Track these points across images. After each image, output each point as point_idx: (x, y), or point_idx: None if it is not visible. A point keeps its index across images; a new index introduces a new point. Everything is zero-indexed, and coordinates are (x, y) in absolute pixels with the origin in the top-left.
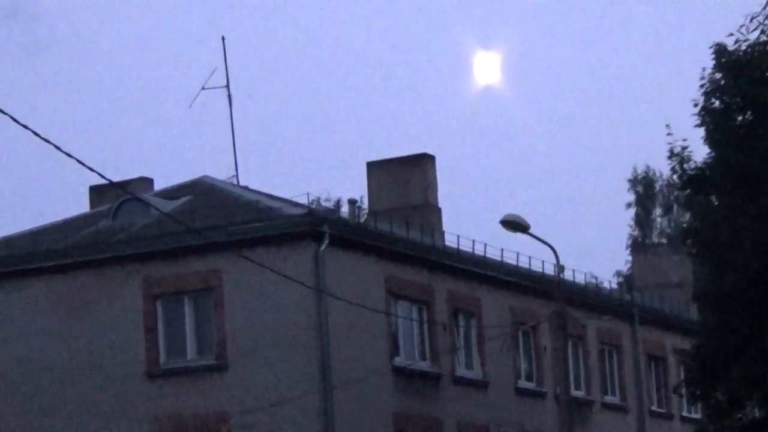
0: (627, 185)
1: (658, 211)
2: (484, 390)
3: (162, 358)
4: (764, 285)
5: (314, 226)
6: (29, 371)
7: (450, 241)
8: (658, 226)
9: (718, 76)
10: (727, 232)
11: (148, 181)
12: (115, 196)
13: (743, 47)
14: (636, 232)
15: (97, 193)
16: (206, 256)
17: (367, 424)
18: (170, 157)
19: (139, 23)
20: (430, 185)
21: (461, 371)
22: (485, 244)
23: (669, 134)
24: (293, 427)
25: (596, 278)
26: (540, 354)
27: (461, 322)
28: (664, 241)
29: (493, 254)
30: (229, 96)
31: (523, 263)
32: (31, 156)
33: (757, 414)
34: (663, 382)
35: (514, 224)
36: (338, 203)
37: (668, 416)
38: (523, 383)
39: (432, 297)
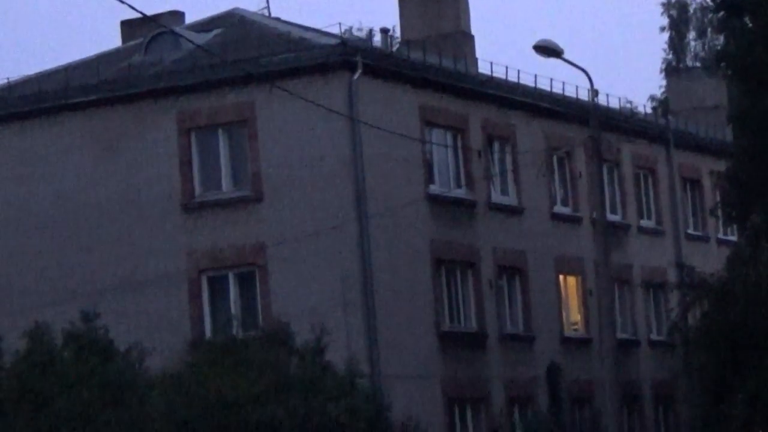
0: (660, 9)
1: (692, 34)
2: (519, 216)
3: (197, 190)
4: None
5: (347, 56)
6: (65, 209)
7: (483, 68)
8: (693, 49)
9: None
10: (761, 55)
11: (179, 15)
12: (147, 30)
13: None
14: (670, 56)
15: (128, 27)
16: (239, 89)
17: (403, 253)
18: None
19: None
20: (462, 12)
21: (497, 197)
22: (518, 71)
23: None
24: (329, 258)
25: (631, 102)
26: (575, 179)
27: (496, 148)
28: (698, 64)
29: (526, 80)
30: None
31: (557, 89)
32: None
33: None
34: (699, 205)
35: (548, 49)
36: (371, 33)
37: (705, 239)
38: (559, 208)
39: (466, 124)
